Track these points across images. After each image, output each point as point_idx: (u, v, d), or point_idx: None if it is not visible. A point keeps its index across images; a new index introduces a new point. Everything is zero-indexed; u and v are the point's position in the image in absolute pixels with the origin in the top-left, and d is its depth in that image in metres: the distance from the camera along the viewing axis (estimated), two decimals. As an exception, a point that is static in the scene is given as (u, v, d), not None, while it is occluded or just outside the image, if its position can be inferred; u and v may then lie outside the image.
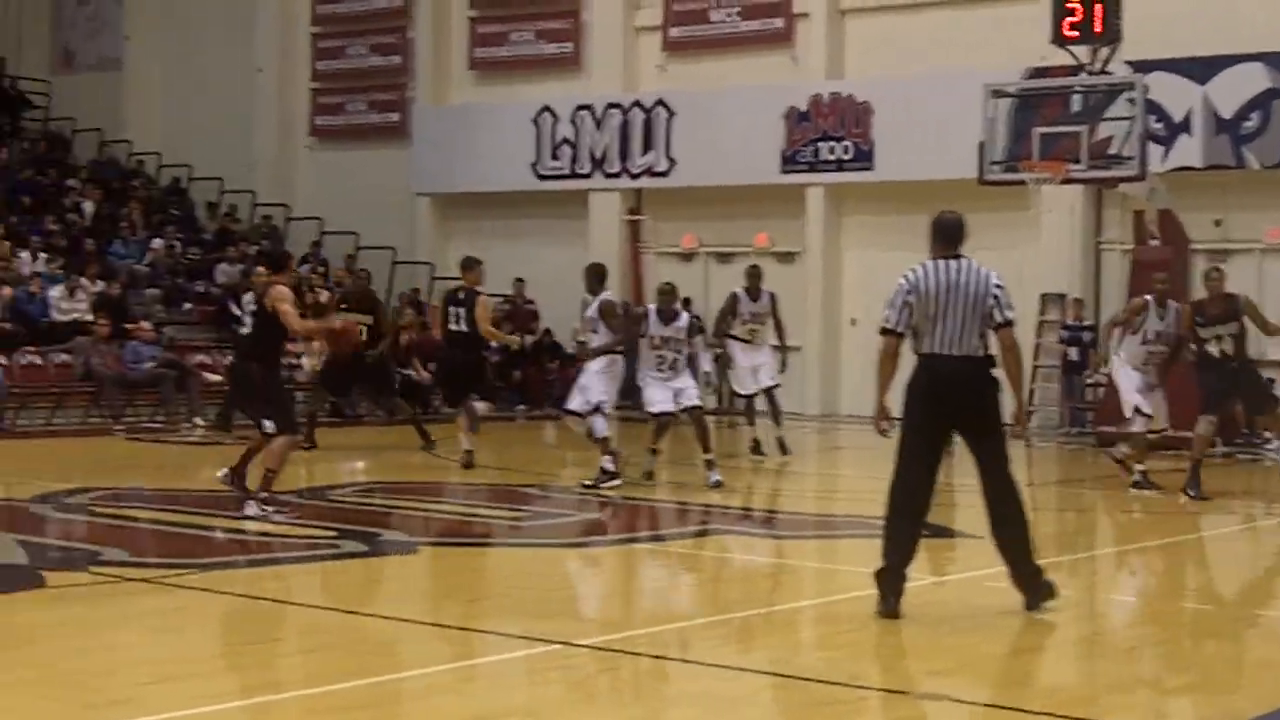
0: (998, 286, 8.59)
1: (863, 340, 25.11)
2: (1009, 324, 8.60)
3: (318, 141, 30.95)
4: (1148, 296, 15.07)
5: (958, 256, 8.70)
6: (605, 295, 15.01)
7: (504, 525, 12.82)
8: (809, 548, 11.87)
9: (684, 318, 14.55)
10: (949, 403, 8.51)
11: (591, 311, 14.89)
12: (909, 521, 8.59)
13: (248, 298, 18.24)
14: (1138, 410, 14.76)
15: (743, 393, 17.99)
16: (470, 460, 15.94)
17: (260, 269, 21.02)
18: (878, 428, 8.81)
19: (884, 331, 8.63)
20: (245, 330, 12.31)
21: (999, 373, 8.58)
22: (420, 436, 17.95)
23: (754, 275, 17.70)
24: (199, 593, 8.93)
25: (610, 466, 14.35)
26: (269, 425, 11.78)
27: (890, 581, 8.43)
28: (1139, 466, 14.85)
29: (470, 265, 16.53)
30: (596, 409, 14.55)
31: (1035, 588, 8.60)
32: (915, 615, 8.43)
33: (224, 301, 23.99)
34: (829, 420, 24.57)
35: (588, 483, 14.31)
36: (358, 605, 8.54)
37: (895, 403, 8.79)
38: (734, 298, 17.59)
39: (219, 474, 12.22)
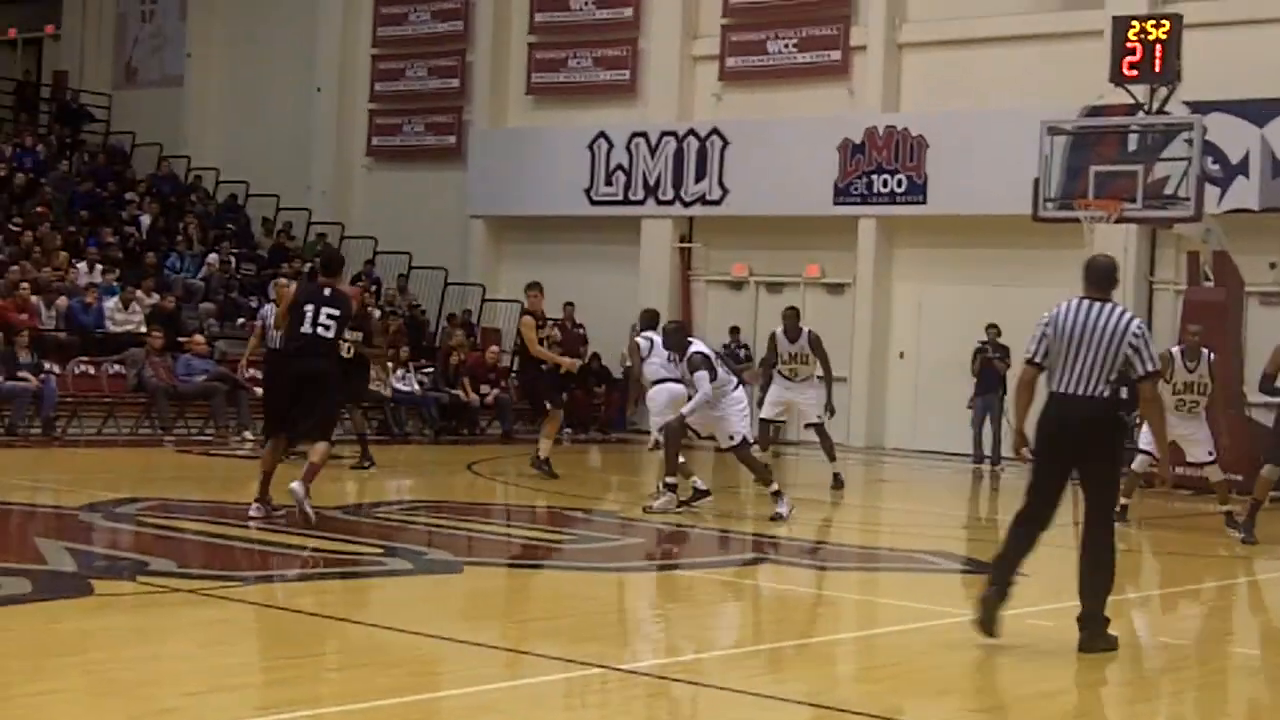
0: (1137, 336, 8.56)
1: (910, 373, 25.11)
2: (1148, 376, 8.63)
3: (374, 162, 31.18)
4: (1173, 349, 15.25)
5: (1104, 300, 8.70)
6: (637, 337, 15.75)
7: (548, 547, 12.85)
8: (851, 580, 11.86)
9: (691, 348, 14.49)
10: (1068, 443, 8.59)
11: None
12: (1023, 539, 8.78)
13: (266, 309, 18.31)
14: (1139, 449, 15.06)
15: (761, 416, 18.02)
16: (540, 464, 17.00)
17: (283, 280, 21.41)
18: (1016, 453, 8.99)
19: (1026, 361, 8.85)
20: (330, 336, 12.39)
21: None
22: (361, 454, 17.77)
23: (789, 317, 17.87)
24: (245, 605, 9.00)
25: (699, 486, 14.86)
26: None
27: (996, 573, 8.65)
28: (1124, 500, 14.89)
29: (526, 288, 17.40)
30: (655, 445, 15.28)
31: (1096, 634, 8.64)
32: (957, 651, 8.41)
33: (276, 317, 24.16)
34: (874, 453, 24.52)
35: (682, 500, 14.70)
36: (401, 622, 8.59)
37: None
38: (772, 339, 17.78)
39: (251, 510, 12.33)
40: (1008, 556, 8.72)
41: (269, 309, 18.49)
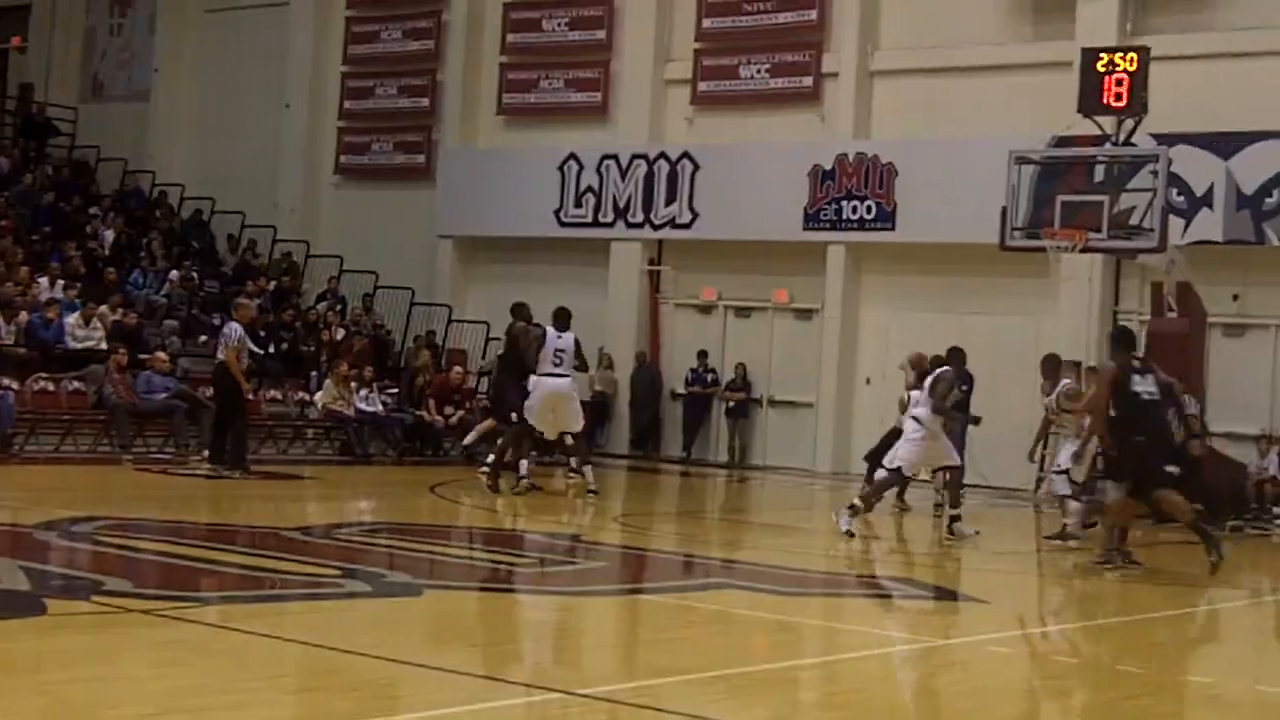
0: None
1: (878, 399, 25.10)
2: None
3: (342, 180, 31.09)
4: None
5: None
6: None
7: (509, 571, 12.78)
8: (813, 605, 11.82)
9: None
10: None
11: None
12: None
13: (231, 328, 18.82)
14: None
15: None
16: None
17: (243, 299, 21.40)
18: None
19: None
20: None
21: None
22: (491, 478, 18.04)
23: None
24: (201, 626, 8.90)
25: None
26: None
27: None
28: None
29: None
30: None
31: None
32: (917, 678, 8.37)
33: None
34: (840, 478, 24.48)
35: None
36: (359, 645, 8.51)
37: None
38: (543, 334, 17.84)
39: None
40: None
41: (234, 328, 18.62)
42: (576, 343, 17.70)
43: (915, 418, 15.63)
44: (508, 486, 17.60)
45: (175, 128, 32.35)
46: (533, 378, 17.57)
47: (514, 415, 17.76)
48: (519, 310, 18.35)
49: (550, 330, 17.66)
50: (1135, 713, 8.43)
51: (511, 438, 17.94)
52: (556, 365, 17.46)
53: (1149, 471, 13.67)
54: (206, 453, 19.18)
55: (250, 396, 19.43)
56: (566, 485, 19.28)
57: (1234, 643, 11.44)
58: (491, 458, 18.24)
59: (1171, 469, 13.83)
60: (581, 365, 17.99)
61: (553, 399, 17.54)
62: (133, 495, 16.80)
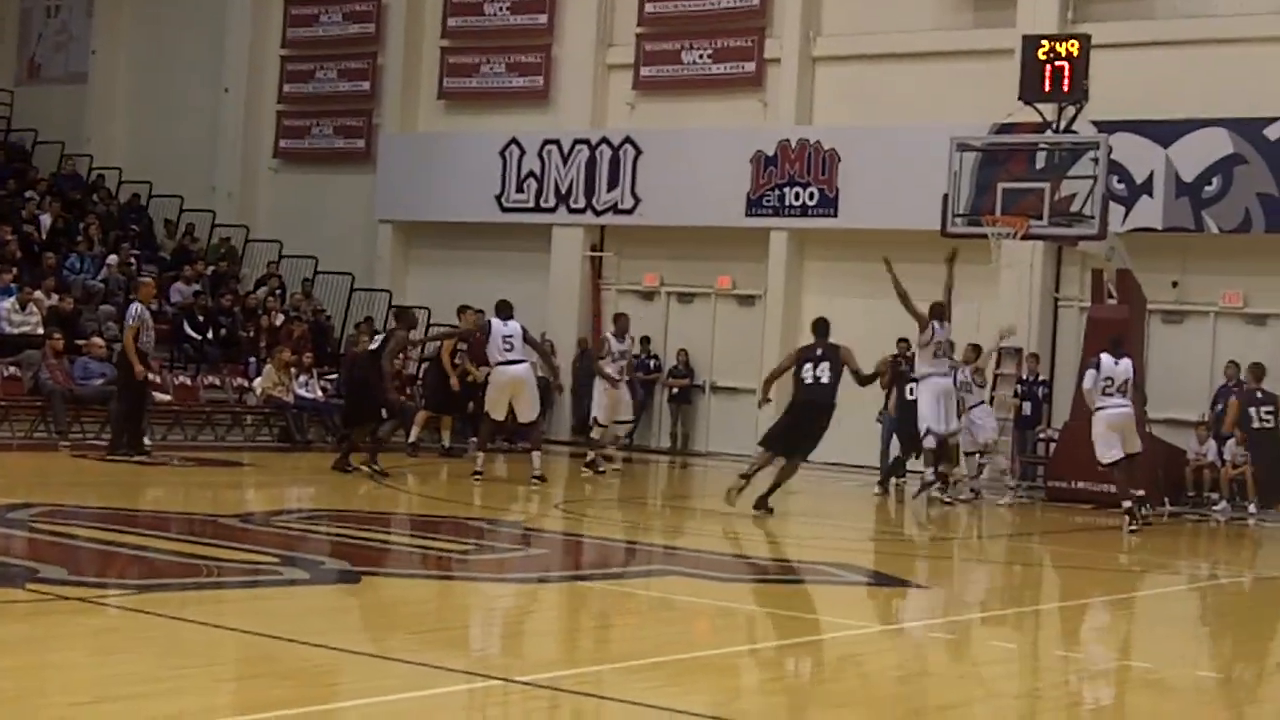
0: None
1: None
2: None
3: (281, 164, 30.87)
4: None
5: None
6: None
7: (450, 558, 12.71)
8: (755, 592, 11.81)
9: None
10: None
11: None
12: None
13: (134, 309, 18.62)
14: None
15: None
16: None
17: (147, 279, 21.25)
18: None
19: None
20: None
21: None
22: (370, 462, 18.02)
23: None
24: (137, 614, 8.80)
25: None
26: None
27: None
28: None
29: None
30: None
31: None
32: (859, 664, 8.37)
33: (178, 320, 23.83)
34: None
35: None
36: (297, 633, 8.43)
37: None
38: (488, 325, 18.23)
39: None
40: None
41: (135, 307, 18.43)
42: (523, 329, 17.76)
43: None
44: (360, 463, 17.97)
45: (113, 111, 32.04)
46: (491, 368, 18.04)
47: (384, 411, 18.08)
48: (404, 316, 19.05)
49: (495, 320, 17.75)
50: (1074, 698, 8.47)
51: (388, 429, 18.62)
52: (508, 352, 17.57)
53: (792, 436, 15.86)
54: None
55: (151, 378, 19.18)
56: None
57: (1172, 628, 11.51)
58: (590, 455, 19.79)
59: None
60: (546, 350, 18.85)
61: (512, 386, 17.66)
62: (69, 481, 16.62)
